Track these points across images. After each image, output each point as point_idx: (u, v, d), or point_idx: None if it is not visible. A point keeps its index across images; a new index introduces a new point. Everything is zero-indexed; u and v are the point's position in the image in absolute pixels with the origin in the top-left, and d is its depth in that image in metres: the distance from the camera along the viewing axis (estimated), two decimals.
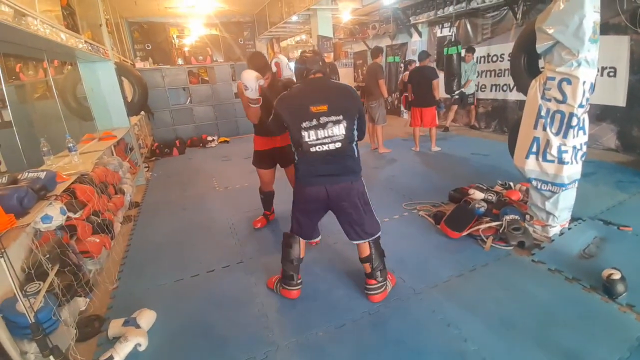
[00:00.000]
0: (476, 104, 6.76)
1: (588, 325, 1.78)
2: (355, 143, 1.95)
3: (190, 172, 5.45)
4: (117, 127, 4.64)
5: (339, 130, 1.85)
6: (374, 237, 2.03)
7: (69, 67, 4.55)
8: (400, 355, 1.69)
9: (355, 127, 1.93)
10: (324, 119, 1.83)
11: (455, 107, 6.85)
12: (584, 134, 2.33)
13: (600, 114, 4.92)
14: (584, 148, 2.36)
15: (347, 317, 1.95)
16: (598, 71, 4.62)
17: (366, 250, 2.04)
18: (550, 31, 2.20)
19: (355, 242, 2.05)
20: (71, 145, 2.86)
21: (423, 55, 5.39)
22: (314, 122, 1.83)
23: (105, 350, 1.78)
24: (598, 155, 4.68)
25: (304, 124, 1.83)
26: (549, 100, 2.30)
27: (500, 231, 2.54)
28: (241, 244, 2.90)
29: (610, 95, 4.73)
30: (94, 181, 2.93)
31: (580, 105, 2.22)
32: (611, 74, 4.69)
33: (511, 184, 3.32)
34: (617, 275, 1.99)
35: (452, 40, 5.83)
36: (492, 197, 2.98)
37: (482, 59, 6.59)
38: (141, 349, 1.81)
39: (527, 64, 2.56)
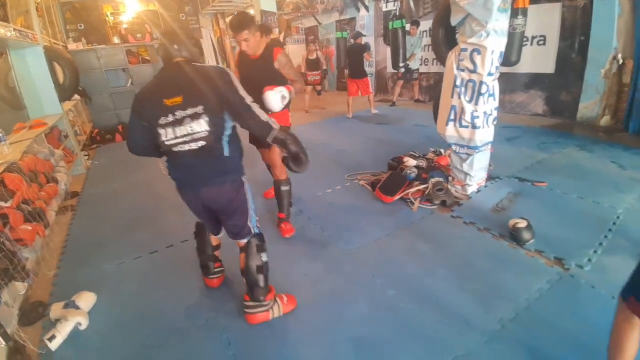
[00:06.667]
0: (420, 78, 7.03)
1: (499, 269, 2.02)
2: (227, 139, 1.63)
3: (135, 158, 5.10)
4: (49, 114, 4.40)
5: (200, 126, 1.53)
6: (243, 238, 1.80)
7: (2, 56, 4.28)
8: (333, 306, 1.87)
9: (226, 119, 1.59)
10: (180, 113, 1.52)
11: (401, 82, 7.07)
12: (494, 100, 2.57)
13: (529, 82, 5.27)
14: (495, 113, 2.62)
15: (283, 280, 2.09)
16: (527, 40, 4.95)
17: (242, 262, 1.81)
18: (462, 4, 2.37)
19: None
20: (0, 135, 2.86)
21: (357, 34, 6.40)
22: (170, 118, 1.53)
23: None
24: (525, 120, 5.08)
25: (161, 121, 1.54)
26: (463, 70, 2.51)
27: (426, 193, 2.79)
28: (187, 224, 2.91)
29: (540, 64, 5.02)
30: (22, 170, 2.84)
31: (489, 74, 2.45)
32: (541, 42, 4.95)
33: (442, 150, 3.58)
34: (522, 224, 2.25)
35: (397, 14, 5.99)
36: (423, 163, 3.23)
37: (424, 33, 6.81)
38: (82, 327, 1.87)
39: (444, 37, 2.75)
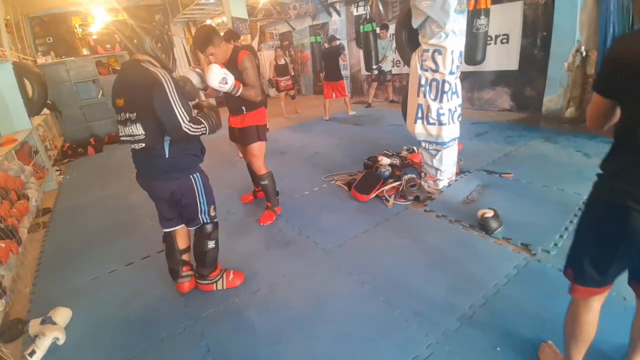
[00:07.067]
0: (392, 79, 7.20)
1: (470, 258, 2.11)
2: (168, 142, 1.70)
3: (109, 170, 5.17)
4: (18, 130, 4.33)
5: (137, 129, 1.61)
6: (193, 226, 2.00)
7: None
8: (312, 301, 1.92)
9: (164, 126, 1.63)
10: (123, 115, 1.63)
11: (375, 84, 7.22)
12: (458, 97, 2.69)
13: (495, 79, 5.49)
14: (459, 110, 2.74)
15: (262, 282, 2.13)
16: (491, 39, 5.18)
17: (193, 243, 2.05)
18: (422, 7, 2.48)
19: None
20: None
21: (331, 38, 6.55)
22: (119, 117, 1.66)
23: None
24: (493, 116, 5.28)
25: (117, 118, 1.69)
26: (426, 70, 2.61)
27: (401, 189, 2.87)
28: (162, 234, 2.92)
29: (504, 61, 5.23)
30: None
31: (451, 72, 2.56)
32: (504, 41, 5.15)
33: (415, 148, 3.69)
34: (489, 214, 2.36)
35: (367, 18, 6.14)
36: (397, 161, 3.32)
37: (394, 36, 6.97)
38: (60, 342, 1.86)
39: (408, 38, 2.86)
